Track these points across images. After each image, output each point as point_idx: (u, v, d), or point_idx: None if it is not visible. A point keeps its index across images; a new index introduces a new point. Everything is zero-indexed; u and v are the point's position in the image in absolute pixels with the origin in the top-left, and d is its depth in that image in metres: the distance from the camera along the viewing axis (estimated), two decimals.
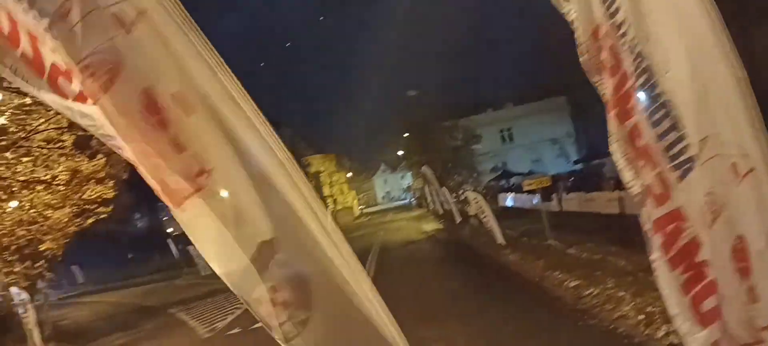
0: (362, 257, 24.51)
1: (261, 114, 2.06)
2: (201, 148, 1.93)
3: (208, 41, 1.92)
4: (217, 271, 2.11)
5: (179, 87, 1.89)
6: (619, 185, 23.81)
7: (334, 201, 76.83)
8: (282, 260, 2.07)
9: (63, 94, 2.03)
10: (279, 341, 2.15)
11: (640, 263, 11.80)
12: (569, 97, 49.48)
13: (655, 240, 2.18)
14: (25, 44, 1.97)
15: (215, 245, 2.06)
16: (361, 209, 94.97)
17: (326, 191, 75.23)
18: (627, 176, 2.29)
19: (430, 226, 38.47)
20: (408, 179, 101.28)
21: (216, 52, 1.93)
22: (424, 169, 40.57)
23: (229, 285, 2.12)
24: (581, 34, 2.38)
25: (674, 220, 2.10)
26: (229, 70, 1.96)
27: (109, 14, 1.81)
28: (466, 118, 50.16)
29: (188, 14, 1.90)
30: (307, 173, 67.69)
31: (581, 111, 45.40)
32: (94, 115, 1.99)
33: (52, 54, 1.94)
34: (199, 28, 1.91)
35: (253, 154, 2.01)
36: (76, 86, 1.95)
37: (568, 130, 51.76)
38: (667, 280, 2.20)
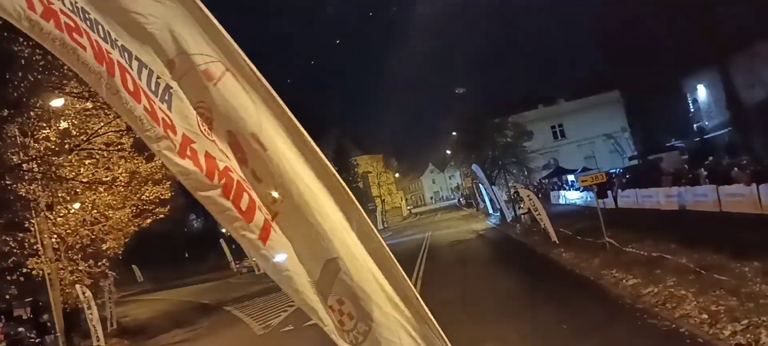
0: (412, 258, 24.48)
1: (318, 149, 2.46)
2: (273, 180, 2.38)
3: (273, 91, 2.40)
4: (296, 284, 2.48)
5: (255, 130, 2.35)
6: (677, 180, 22.99)
7: (383, 201, 76.96)
8: (344, 278, 2.45)
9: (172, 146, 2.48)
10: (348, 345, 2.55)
11: (702, 260, 11.34)
12: (623, 90, 48.02)
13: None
14: (144, 101, 2.41)
15: (292, 261, 2.46)
16: (410, 209, 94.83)
17: (374, 191, 75.43)
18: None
19: (480, 225, 38.07)
20: (457, 179, 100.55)
21: (281, 101, 2.40)
22: (474, 167, 40.13)
23: (304, 297, 2.50)
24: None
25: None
26: (289, 112, 2.41)
27: (200, 72, 2.34)
28: (516, 115, 49.24)
29: (258, 72, 2.36)
30: (355, 173, 68.36)
31: (636, 105, 43.99)
32: (188, 168, 2.42)
33: (160, 111, 2.43)
34: (266, 82, 2.39)
35: (312, 184, 2.41)
36: (177, 141, 2.42)
37: (623, 125, 50.10)
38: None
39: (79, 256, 18.50)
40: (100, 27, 2.41)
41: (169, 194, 19.90)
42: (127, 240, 20.64)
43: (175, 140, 2.38)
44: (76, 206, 18.14)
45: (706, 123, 36.81)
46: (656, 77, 34.46)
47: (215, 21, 2.38)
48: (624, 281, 11.94)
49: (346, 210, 2.48)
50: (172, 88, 2.42)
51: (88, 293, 17.33)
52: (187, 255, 57.57)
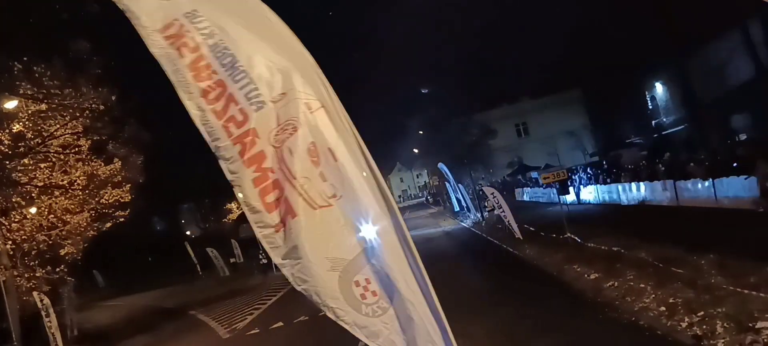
0: None
1: (375, 165, 3.21)
2: (337, 182, 3.16)
3: (352, 123, 3.22)
4: (332, 256, 3.19)
5: (332, 146, 3.15)
6: (637, 175, 23.53)
7: None
8: (376, 264, 3.17)
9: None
10: (364, 316, 3.20)
11: (660, 254, 11.62)
12: (584, 89, 48.91)
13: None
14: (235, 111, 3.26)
15: (333, 239, 3.18)
16: None
17: None
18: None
19: (448, 222, 38.33)
20: (424, 177, 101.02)
21: (355, 130, 3.21)
22: (440, 166, 40.39)
23: (337, 267, 3.19)
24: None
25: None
26: (359, 138, 3.20)
27: (302, 102, 3.17)
28: (480, 113, 49.82)
29: (343, 108, 3.23)
30: None
31: (597, 103, 44.86)
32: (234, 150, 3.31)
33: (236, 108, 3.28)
34: (347, 116, 3.22)
35: (367, 191, 3.15)
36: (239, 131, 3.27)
37: (584, 123, 51.08)
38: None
39: (36, 262, 17.96)
40: (225, 50, 3.22)
41: (129, 197, 19.47)
42: (86, 245, 20.12)
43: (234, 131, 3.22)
44: (32, 210, 17.60)
45: (664, 119, 37.79)
46: (616, 75, 35.17)
47: (320, 71, 3.23)
48: (586, 275, 12.16)
49: (389, 214, 3.15)
50: (266, 104, 3.19)
51: (46, 300, 16.84)
52: (150, 259, 56.41)
